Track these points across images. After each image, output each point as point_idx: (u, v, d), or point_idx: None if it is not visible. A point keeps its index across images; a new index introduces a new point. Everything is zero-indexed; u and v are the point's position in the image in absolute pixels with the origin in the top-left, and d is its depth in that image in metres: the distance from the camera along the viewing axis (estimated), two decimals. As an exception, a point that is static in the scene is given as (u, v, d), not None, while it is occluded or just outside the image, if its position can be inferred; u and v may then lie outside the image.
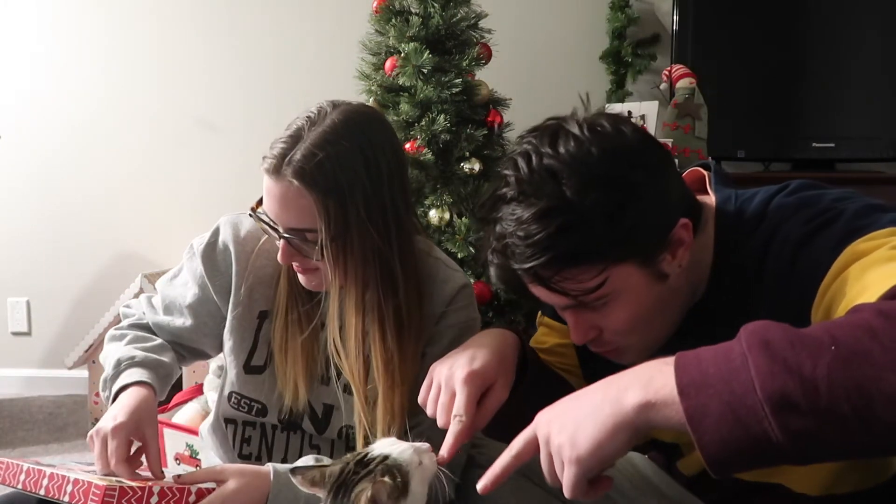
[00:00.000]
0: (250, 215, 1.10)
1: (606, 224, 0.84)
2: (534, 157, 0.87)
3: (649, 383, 0.69)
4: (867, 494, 0.92)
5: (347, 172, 1.03)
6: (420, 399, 0.98)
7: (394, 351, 1.10)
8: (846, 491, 0.91)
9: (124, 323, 1.27)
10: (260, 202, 1.09)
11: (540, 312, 1.22)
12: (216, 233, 1.20)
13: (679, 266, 0.91)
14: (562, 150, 0.86)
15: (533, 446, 0.77)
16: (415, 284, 1.12)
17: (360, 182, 1.04)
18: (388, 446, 0.88)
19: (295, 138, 1.04)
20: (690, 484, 1.08)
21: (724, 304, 0.94)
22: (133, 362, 1.15)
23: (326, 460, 1.12)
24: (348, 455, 0.90)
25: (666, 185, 0.90)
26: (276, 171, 1.03)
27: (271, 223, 1.07)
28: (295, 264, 1.10)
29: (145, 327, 1.25)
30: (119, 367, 1.15)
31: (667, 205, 0.89)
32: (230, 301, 1.18)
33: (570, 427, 0.72)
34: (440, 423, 0.94)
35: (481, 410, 0.95)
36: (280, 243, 1.07)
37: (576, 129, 0.87)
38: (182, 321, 1.22)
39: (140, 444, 1.07)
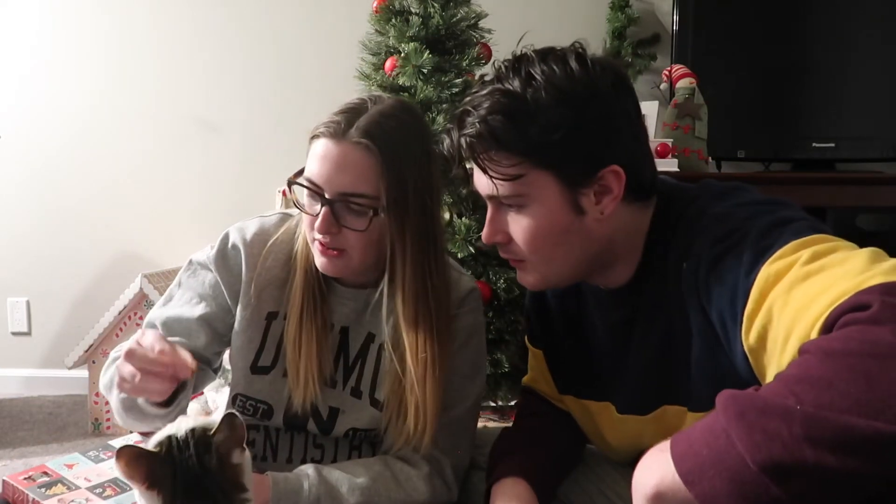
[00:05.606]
0: (289, 183, 1.10)
1: (543, 127, 0.91)
2: (522, 60, 0.96)
3: (653, 474, 0.71)
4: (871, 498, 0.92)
5: (409, 145, 1.07)
6: None
7: (428, 343, 1.11)
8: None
9: None
10: (297, 174, 1.09)
11: (526, 337, 1.26)
12: (225, 238, 1.20)
13: (600, 213, 0.95)
14: (547, 65, 0.94)
15: None
16: (444, 279, 1.15)
17: (416, 158, 1.08)
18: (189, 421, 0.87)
19: (357, 110, 1.07)
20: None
21: (650, 293, 0.98)
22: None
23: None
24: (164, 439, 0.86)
25: (616, 132, 0.95)
26: (339, 134, 1.05)
27: (315, 187, 1.06)
28: (323, 242, 1.09)
29: None
30: None
31: (606, 145, 0.94)
32: (240, 301, 1.18)
33: None
34: None
35: None
36: (322, 211, 1.06)
37: (572, 59, 0.94)
38: (192, 339, 1.18)
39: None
